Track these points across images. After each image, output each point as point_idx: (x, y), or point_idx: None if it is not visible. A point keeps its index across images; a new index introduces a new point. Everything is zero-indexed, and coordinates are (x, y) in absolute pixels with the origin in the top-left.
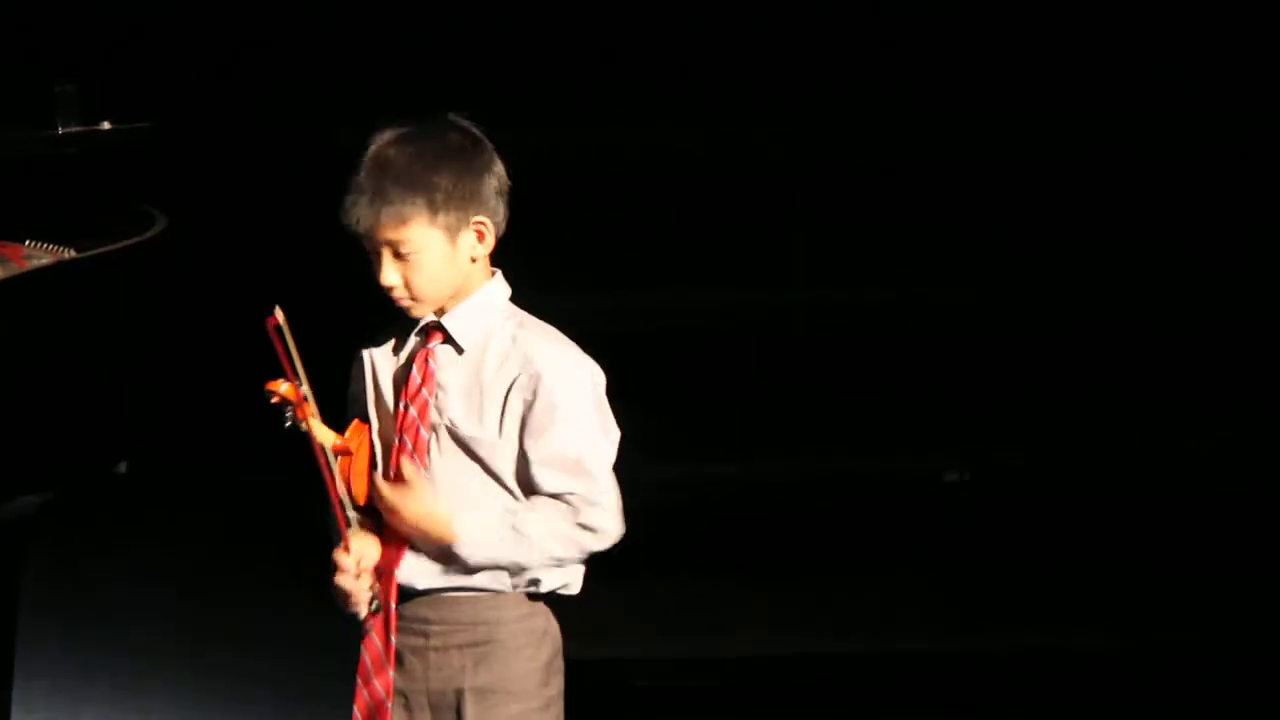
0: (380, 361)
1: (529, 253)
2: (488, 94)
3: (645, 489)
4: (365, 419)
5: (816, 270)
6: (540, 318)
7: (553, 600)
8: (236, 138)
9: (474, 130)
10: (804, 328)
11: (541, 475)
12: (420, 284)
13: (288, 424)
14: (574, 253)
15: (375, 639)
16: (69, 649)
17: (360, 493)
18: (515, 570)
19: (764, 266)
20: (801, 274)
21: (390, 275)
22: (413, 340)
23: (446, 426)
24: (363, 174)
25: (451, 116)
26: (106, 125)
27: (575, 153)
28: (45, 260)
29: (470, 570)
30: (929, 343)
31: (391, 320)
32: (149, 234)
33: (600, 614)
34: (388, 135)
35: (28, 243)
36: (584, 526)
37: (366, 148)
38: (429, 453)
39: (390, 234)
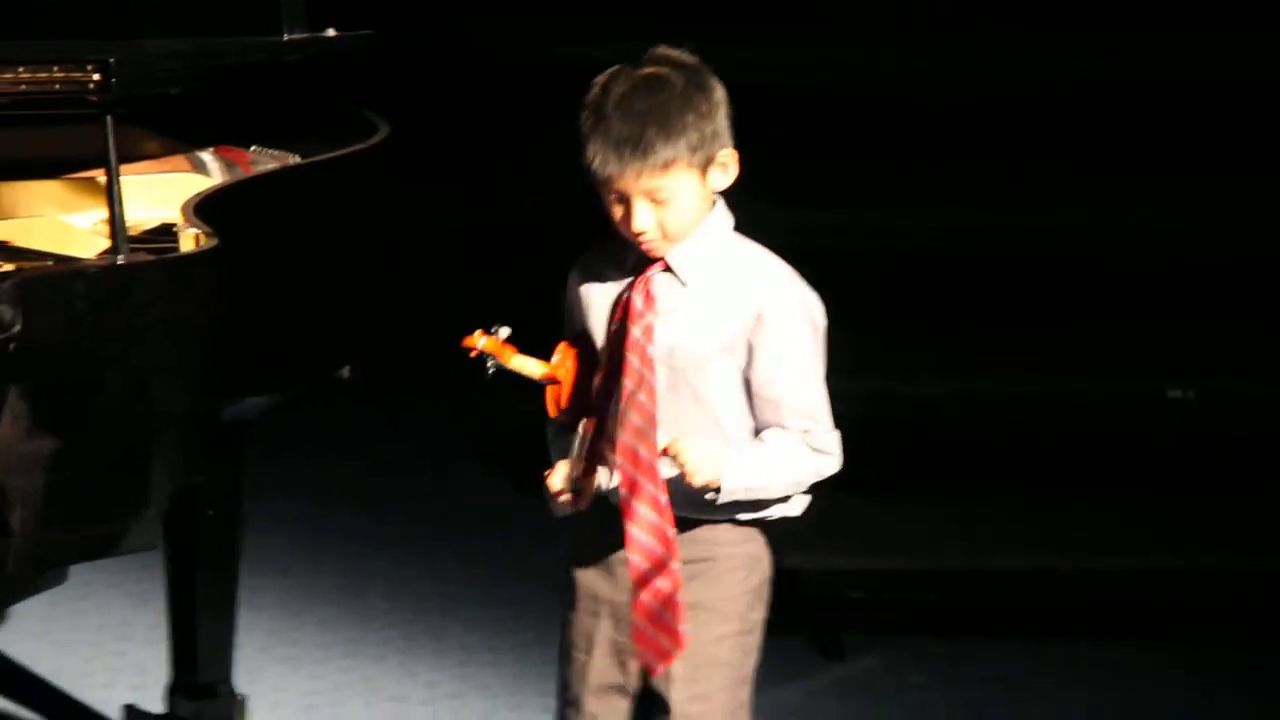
0: (597, 281)
1: (755, 169)
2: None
3: (861, 404)
4: (575, 339)
5: (1045, 193)
6: (763, 234)
7: (768, 525)
8: (457, 49)
9: (699, 63)
10: (1031, 249)
11: (776, 415)
12: (673, 225)
13: (490, 372)
14: (800, 170)
15: (641, 534)
16: (295, 542)
17: (571, 415)
18: (754, 505)
19: (992, 189)
20: (1030, 197)
21: (645, 219)
22: (634, 262)
23: (665, 353)
24: (613, 122)
25: (672, 52)
26: (331, 32)
27: (812, 71)
28: (270, 165)
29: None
30: (1154, 267)
31: (603, 238)
32: (371, 141)
33: (813, 527)
34: (625, 81)
35: (253, 148)
36: (821, 451)
37: (601, 92)
38: (655, 369)
39: (651, 181)
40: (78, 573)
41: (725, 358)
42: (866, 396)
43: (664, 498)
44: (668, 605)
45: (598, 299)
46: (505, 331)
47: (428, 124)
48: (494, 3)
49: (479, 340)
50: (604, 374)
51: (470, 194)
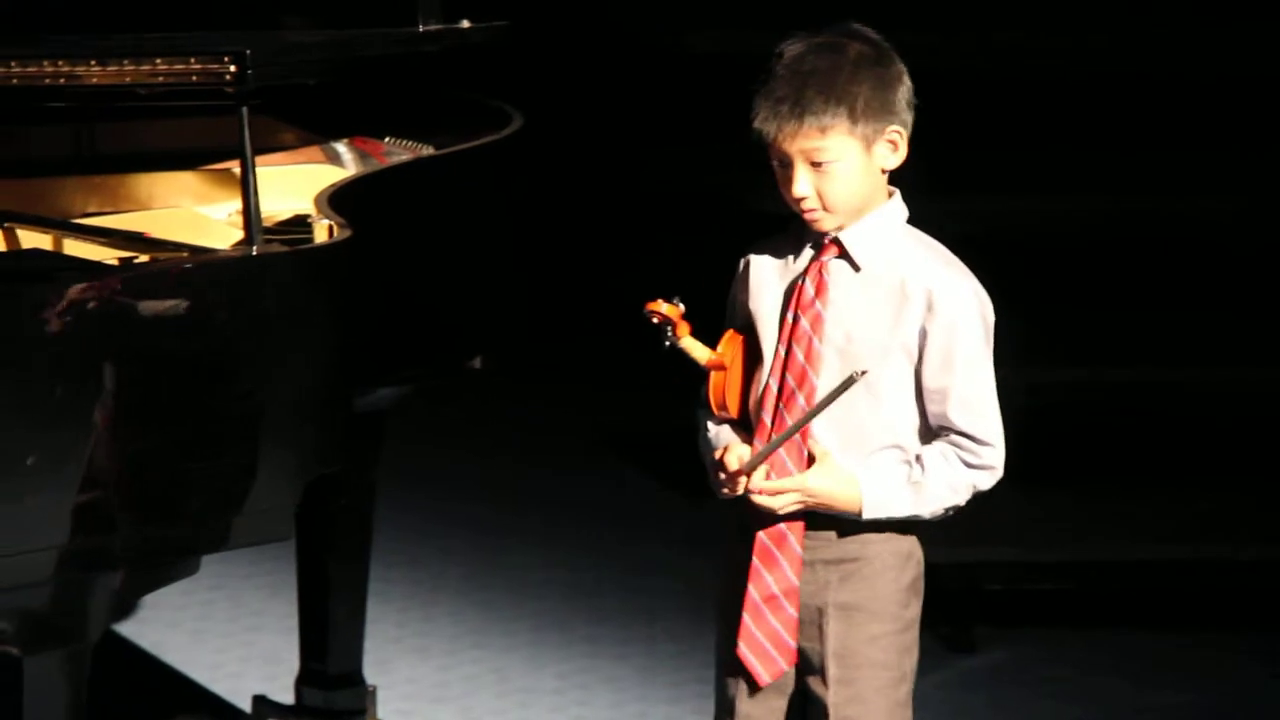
0: (768, 270)
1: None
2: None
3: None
4: (742, 328)
5: (1169, 181)
6: (924, 223)
7: (919, 524)
8: (590, 40)
9: (874, 35)
10: (1155, 236)
11: (938, 410)
12: (834, 195)
13: (667, 344)
14: (947, 158)
15: (763, 538)
16: (425, 534)
17: (733, 405)
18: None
19: (1120, 176)
20: (1152, 184)
21: (804, 185)
22: (806, 251)
23: (838, 342)
24: (778, 82)
25: (858, 26)
26: (465, 24)
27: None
28: (405, 157)
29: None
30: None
31: (778, 229)
32: (504, 132)
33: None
34: (801, 44)
35: (388, 140)
36: (977, 467)
37: (776, 56)
38: (821, 365)
39: (808, 143)
40: (210, 563)
41: (900, 353)
42: (1000, 386)
43: (798, 545)
44: (777, 645)
45: (769, 287)
46: (681, 306)
47: (563, 113)
48: None
49: (662, 306)
50: (771, 369)
51: (606, 185)
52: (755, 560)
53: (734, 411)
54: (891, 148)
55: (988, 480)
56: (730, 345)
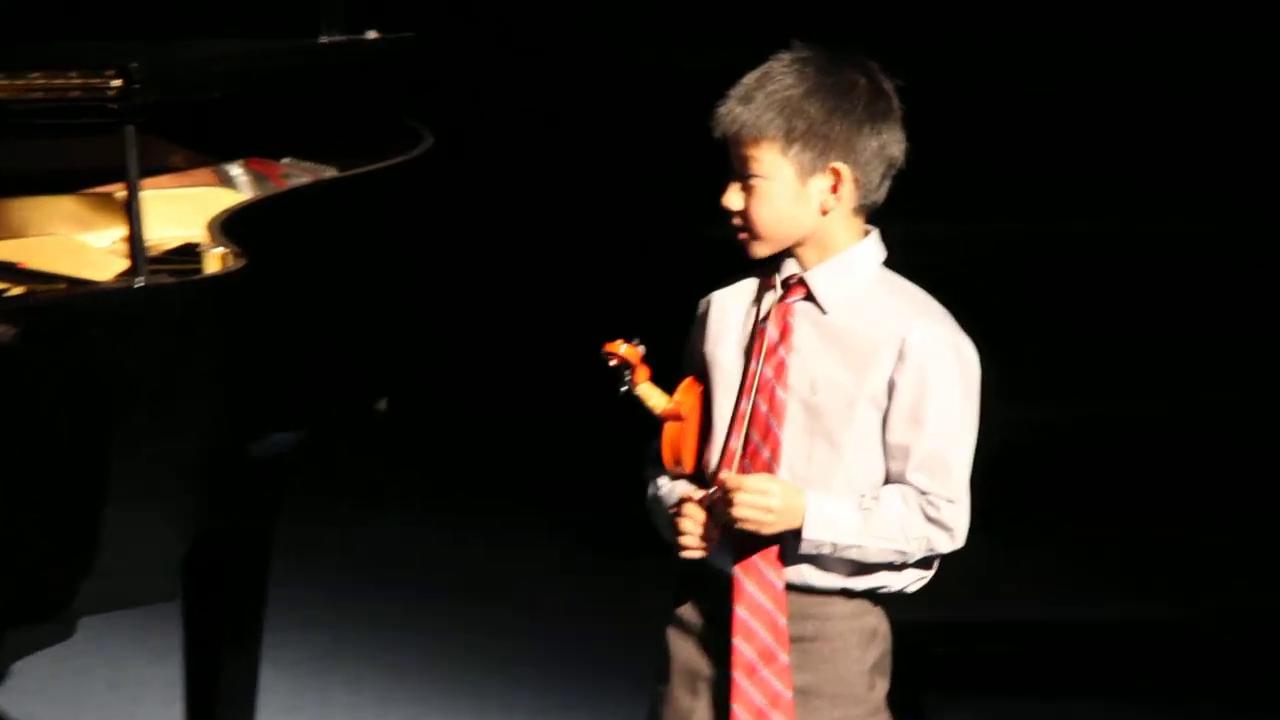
0: (731, 313)
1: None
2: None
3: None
4: (702, 375)
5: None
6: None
7: (884, 598)
8: (515, 50)
9: (885, 83)
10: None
11: (902, 466)
12: (758, 216)
13: (623, 390)
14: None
15: (750, 619)
16: (327, 589)
17: (689, 460)
18: (854, 566)
19: (1112, 200)
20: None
21: (732, 198)
22: (770, 294)
23: (802, 392)
24: (742, 81)
25: (867, 61)
26: (372, 35)
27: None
28: (304, 179)
29: (805, 558)
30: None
31: (740, 268)
32: (414, 153)
33: None
34: (789, 55)
35: (286, 161)
36: (937, 523)
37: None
38: (785, 416)
39: (742, 148)
40: (87, 626)
41: (867, 406)
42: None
43: (780, 582)
44: (776, 704)
45: (731, 332)
46: (643, 348)
47: (478, 131)
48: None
49: (620, 347)
50: (732, 423)
51: (530, 208)
52: (739, 611)
53: (689, 466)
54: (830, 186)
55: (944, 541)
56: (688, 394)
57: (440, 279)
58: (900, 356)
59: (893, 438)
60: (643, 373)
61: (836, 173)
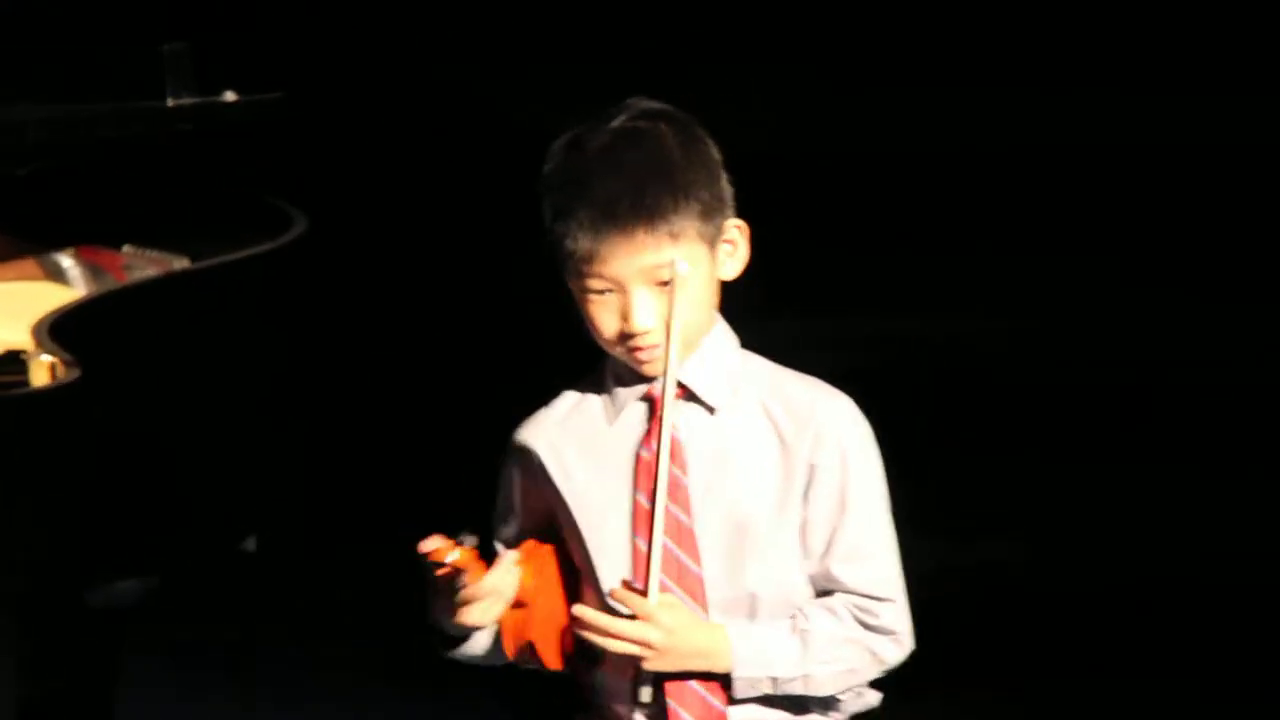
0: (569, 447)
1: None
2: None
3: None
4: (544, 535)
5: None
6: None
7: None
8: (388, 113)
9: (689, 118)
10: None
11: (818, 568)
12: (685, 322)
13: (459, 591)
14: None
15: None
16: None
17: (552, 652)
18: (799, 701)
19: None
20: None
21: (647, 314)
22: (630, 407)
23: (721, 512)
24: (596, 182)
25: (649, 103)
26: (230, 96)
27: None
28: (149, 271)
29: (743, 698)
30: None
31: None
32: (282, 239)
33: None
34: (602, 131)
35: (126, 248)
36: (878, 630)
37: (569, 151)
38: (697, 550)
39: (657, 255)
40: None
41: (796, 502)
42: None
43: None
44: None
45: (582, 469)
46: (473, 539)
47: (357, 209)
48: (437, 50)
49: (450, 554)
50: (635, 577)
51: (411, 298)
52: None
53: (554, 660)
54: (731, 249)
55: (891, 649)
56: (534, 570)
57: (313, 387)
58: (817, 438)
59: (815, 529)
60: (477, 571)
61: (740, 229)
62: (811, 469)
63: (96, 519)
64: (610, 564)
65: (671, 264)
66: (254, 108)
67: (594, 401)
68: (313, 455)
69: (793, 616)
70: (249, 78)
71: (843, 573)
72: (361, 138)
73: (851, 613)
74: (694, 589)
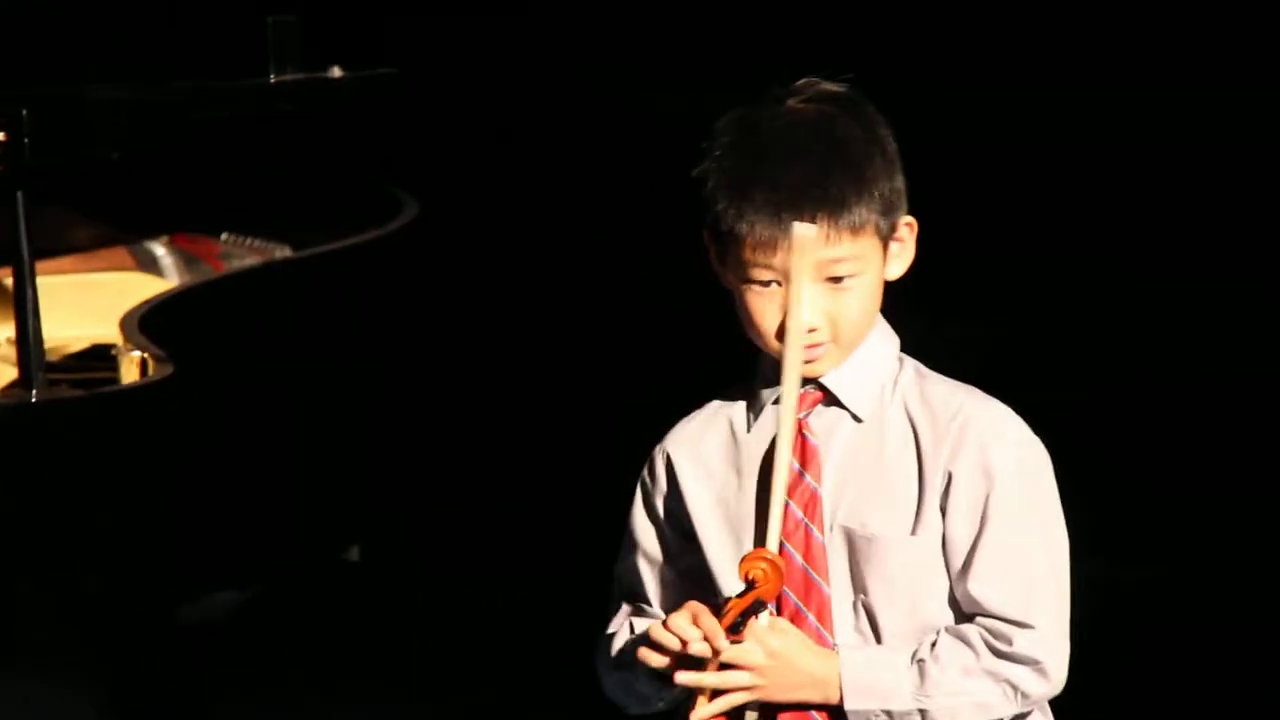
0: (703, 457)
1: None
2: None
3: None
4: (683, 558)
5: None
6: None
7: None
8: (512, 94)
9: (869, 104)
10: None
11: (972, 587)
12: (851, 320)
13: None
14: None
15: None
16: None
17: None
18: None
19: None
20: None
21: (820, 312)
22: (769, 411)
23: (851, 527)
24: (777, 164)
25: (824, 84)
26: (337, 72)
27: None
28: (248, 260)
29: None
30: None
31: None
32: (391, 226)
33: None
34: (776, 113)
35: (224, 236)
36: (1013, 658)
37: (739, 130)
38: (827, 566)
39: (835, 250)
40: None
41: (934, 523)
42: None
43: None
44: None
45: (713, 479)
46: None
47: (472, 196)
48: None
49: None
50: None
51: (531, 294)
52: None
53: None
54: (900, 247)
55: (1032, 681)
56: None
57: (425, 388)
58: (955, 445)
59: (952, 548)
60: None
61: (910, 227)
62: (949, 477)
63: (190, 525)
64: (732, 577)
65: (848, 260)
66: (363, 85)
67: (738, 408)
68: (425, 459)
69: (920, 644)
70: (358, 53)
71: (982, 593)
72: (477, 119)
73: (984, 639)
74: (821, 609)
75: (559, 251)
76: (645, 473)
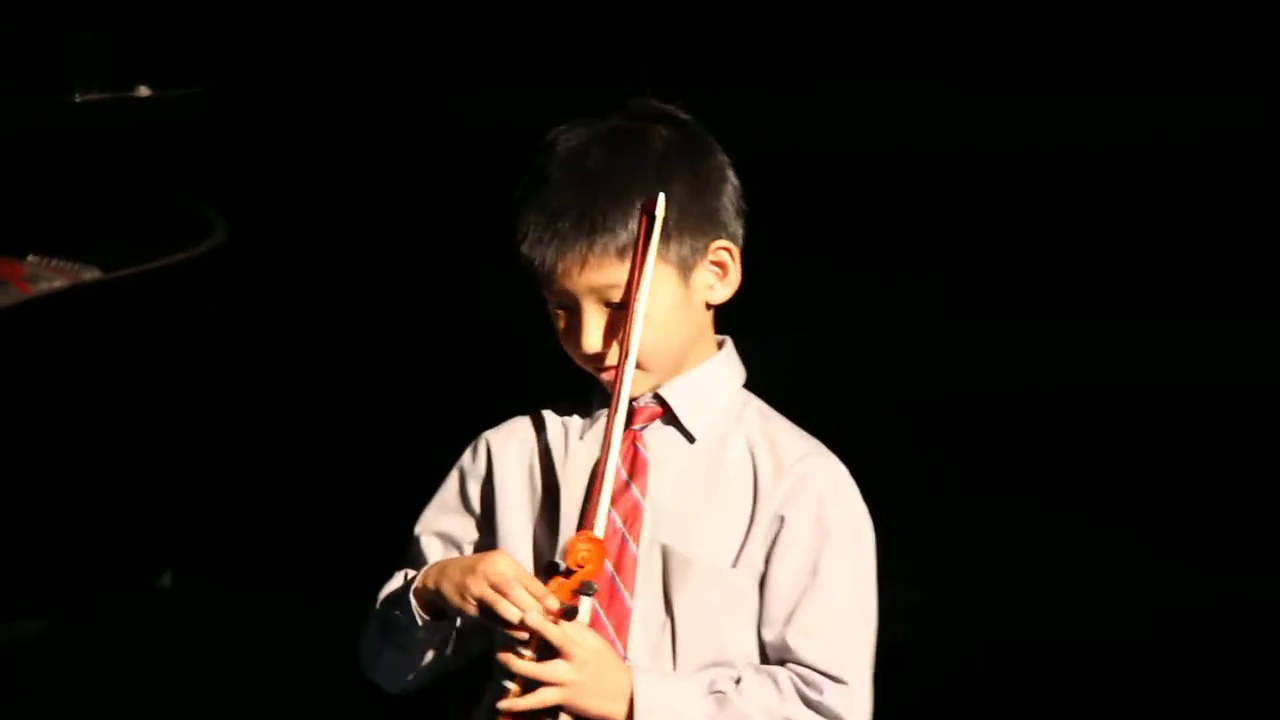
0: (521, 448)
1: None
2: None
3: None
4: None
5: None
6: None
7: None
8: (317, 107)
9: (692, 121)
10: None
11: (779, 631)
12: (646, 347)
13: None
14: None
15: None
16: None
17: None
18: None
19: None
20: None
21: (596, 335)
22: (602, 420)
23: (663, 545)
24: (553, 188)
25: (660, 104)
26: (144, 91)
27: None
28: (56, 283)
29: None
30: None
31: (556, 392)
32: (202, 247)
33: None
34: (582, 131)
35: (30, 258)
36: (819, 709)
37: (545, 150)
38: (635, 579)
39: (602, 275)
40: None
41: (752, 555)
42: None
43: None
44: None
45: (539, 482)
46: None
47: (284, 213)
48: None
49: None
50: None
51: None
52: None
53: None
54: (719, 273)
55: None
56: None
57: (236, 407)
58: (794, 490)
59: (774, 592)
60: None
61: (725, 251)
62: (781, 521)
63: None
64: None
65: (623, 285)
66: (171, 104)
67: (572, 417)
68: (240, 481)
69: (714, 677)
70: (166, 71)
71: (800, 646)
72: (288, 135)
73: (795, 685)
74: (620, 620)
75: (379, 266)
76: (467, 454)
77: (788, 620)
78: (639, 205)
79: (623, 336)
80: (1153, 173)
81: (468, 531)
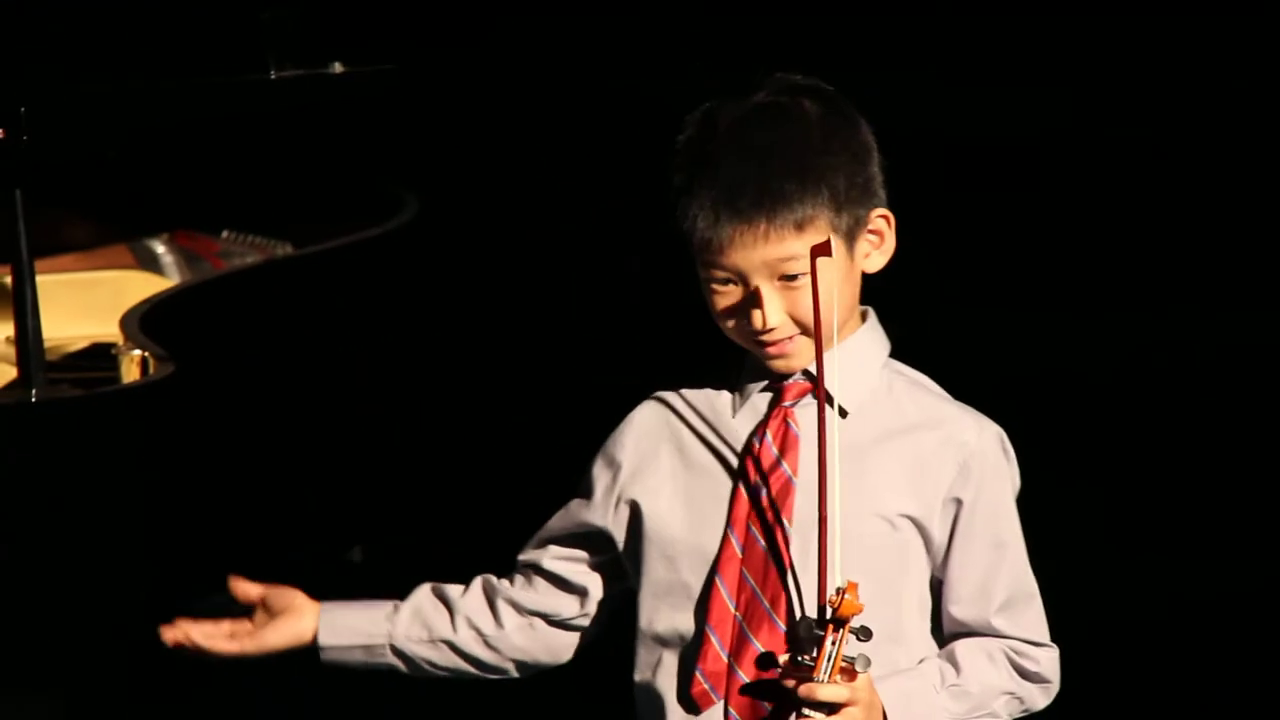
0: (672, 427)
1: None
2: None
3: None
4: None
5: None
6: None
7: None
8: (512, 88)
9: (836, 92)
10: None
11: (980, 610)
12: (811, 317)
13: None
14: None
15: None
16: None
17: None
18: None
19: None
20: None
21: (775, 310)
22: (755, 396)
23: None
24: (721, 165)
25: (803, 79)
26: (338, 68)
27: None
28: (248, 258)
29: None
30: None
31: (698, 370)
32: (392, 224)
33: None
34: (736, 109)
35: (225, 234)
36: (1033, 678)
37: (702, 128)
38: (789, 557)
39: (779, 249)
40: None
41: (912, 534)
42: None
43: None
44: None
45: (696, 455)
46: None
47: (474, 192)
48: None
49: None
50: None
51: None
52: None
53: None
54: (877, 241)
55: (1040, 699)
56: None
57: (425, 386)
58: (964, 469)
59: (961, 575)
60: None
61: (886, 219)
62: (958, 505)
63: (191, 527)
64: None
65: (799, 258)
66: (364, 80)
67: (723, 395)
68: (426, 458)
69: (950, 663)
70: (360, 48)
71: (1003, 621)
72: (480, 114)
73: (1009, 658)
74: (776, 599)
75: (561, 248)
76: (612, 441)
77: (984, 597)
78: (819, 181)
79: (814, 316)
80: (1151, 170)
81: (609, 521)
